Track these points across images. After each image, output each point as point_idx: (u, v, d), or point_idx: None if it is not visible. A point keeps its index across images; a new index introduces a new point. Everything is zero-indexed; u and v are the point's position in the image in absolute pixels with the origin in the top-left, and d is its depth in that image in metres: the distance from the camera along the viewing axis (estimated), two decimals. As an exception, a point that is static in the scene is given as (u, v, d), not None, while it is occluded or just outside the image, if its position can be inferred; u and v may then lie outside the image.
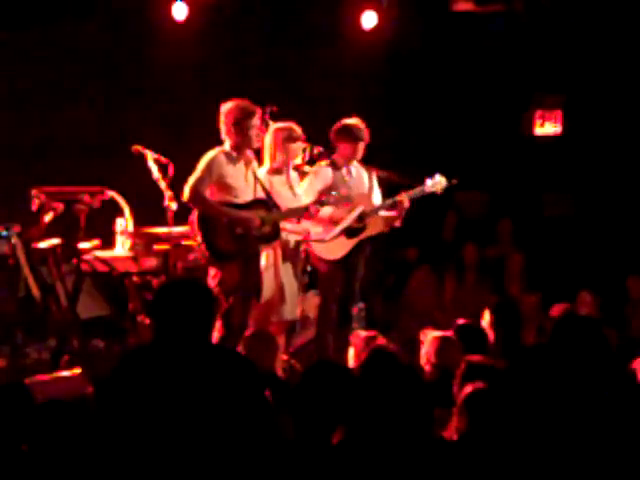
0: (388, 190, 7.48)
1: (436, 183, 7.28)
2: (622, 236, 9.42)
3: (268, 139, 7.09)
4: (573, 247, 9.40)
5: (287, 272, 7.21)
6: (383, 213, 7.28)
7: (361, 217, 7.19)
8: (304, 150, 7.35)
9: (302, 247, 7.32)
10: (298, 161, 7.29)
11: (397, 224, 7.31)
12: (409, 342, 6.42)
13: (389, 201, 7.26)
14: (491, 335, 5.73)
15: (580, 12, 9.37)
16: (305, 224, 7.13)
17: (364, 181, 7.37)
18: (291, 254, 7.22)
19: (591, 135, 10.03)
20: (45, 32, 9.05)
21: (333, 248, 7.19)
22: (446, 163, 7.70)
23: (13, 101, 9.36)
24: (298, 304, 7.34)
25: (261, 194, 6.87)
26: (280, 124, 7.13)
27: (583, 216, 9.86)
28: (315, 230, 7.16)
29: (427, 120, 10.02)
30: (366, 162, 7.40)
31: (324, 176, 7.19)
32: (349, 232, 7.20)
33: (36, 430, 3.80)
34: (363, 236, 7.25)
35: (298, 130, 7.11)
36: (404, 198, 7.20)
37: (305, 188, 7.18)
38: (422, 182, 7.27)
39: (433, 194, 7.29)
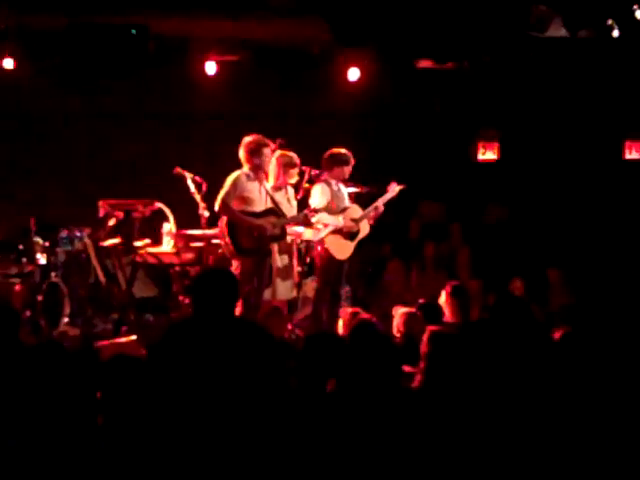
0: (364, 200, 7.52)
1: (393, 190, 7.33)
2: (545, 236, 9.43)
3: (273, 162, 7.06)
4: (508, 244, 9.37)
5: (283, 261, 7.23)
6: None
7: (356, 222, 7.20)
8: (303, 172, 7.33)
9: (296, 243, 7.37)
10: (292, 181, 7.24)
11: (370, 222, 7.34)
12: (384, 316, 6.39)
13: (372, 207, 7.30)
14: (447, 311, 5.72)
15: (513, 66, 9.35)
16: (297, 227, 7.19)
17: (346, 195, 7.36)
18: (287, 248, 7.26)
19: (521, 161, 10.12)
20: (117, 82, 9.12)
21: (343, 250, 7.17)
22: (412, 180, 7.76)
23: (86, 133, 9.46)
24: (294, 286, 7.35)
25: (270, 204, 6.88)
26: (283, 152, 7.10)
27: (515, 221, 9.88)
28: (307, 232, 7.23)
29: (399, 149, 10.07)
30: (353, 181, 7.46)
31: (326, 191, 7.17)
32: (350, 236, 7.20)
33: (107, 379, 3.74)
34: (359, 237, 7.28)
35: (296, 158, 7.10)
36: (380, 204, 7.27)
37: (317, 200, 7.09)
38: (386, 191, 7.35)
39: (392, 198, 7.36)
